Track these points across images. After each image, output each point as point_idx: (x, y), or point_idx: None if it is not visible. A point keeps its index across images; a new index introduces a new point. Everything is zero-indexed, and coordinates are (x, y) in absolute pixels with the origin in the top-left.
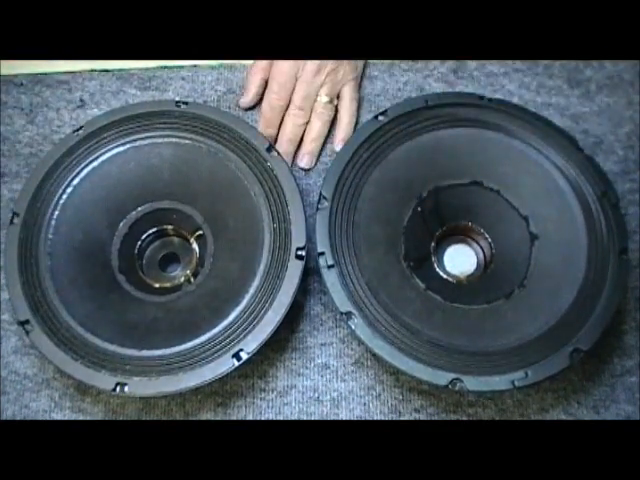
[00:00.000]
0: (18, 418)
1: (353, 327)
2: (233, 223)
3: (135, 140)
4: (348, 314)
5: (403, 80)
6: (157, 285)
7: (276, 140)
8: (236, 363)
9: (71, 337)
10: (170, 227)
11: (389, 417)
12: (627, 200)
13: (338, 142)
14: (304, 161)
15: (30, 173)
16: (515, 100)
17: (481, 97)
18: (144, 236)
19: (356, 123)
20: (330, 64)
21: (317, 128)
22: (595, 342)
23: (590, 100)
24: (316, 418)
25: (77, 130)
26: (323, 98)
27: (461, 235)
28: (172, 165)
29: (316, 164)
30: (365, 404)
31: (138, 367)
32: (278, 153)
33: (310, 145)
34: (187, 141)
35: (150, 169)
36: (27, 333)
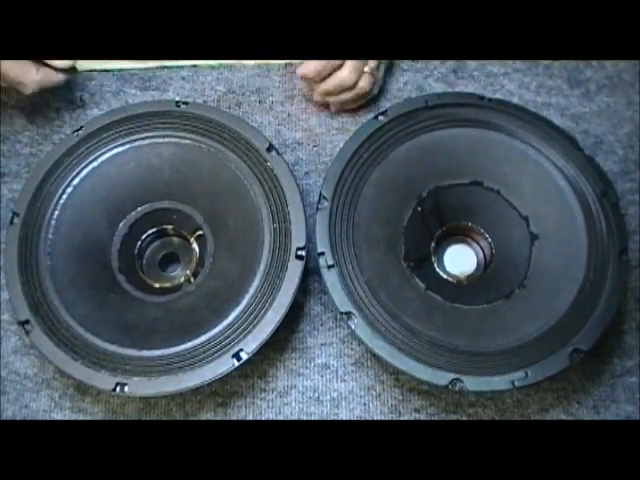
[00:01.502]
0: (18, 418)
1: (353, 327)
2: (233, 223)
3: (135, 140)
4: (348, 314)
5: (403, 80)
6: (157, 285)
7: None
8: (236, 363)
9: (71, 337)
10: (170, 227)
11: (389, 417)
12: (627, 200)
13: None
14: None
15: (30, 173)
16: (515, 100)
17: (481, 97)
18: (144, 236)
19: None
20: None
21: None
22: (595, 342)
23: (590, 100)
24: (316, 418)
25: (77, 130)
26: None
27: (461, 235)
28: (172, 165)
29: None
30: (365, 404)
31: (138, 367)
32: (278, 153)
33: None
34: (187, 141)
35: (150, 169)
36: (27, 333)
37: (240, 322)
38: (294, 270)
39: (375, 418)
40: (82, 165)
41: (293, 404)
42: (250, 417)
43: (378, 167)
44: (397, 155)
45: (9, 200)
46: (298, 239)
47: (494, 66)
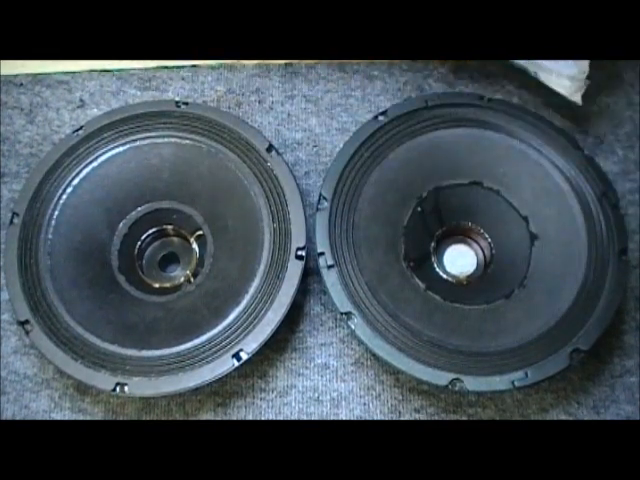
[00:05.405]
0: (18, 418)
1: (353, 327)
2: (233, 223)
3: (135, 140)
4: (348, 314)
5: (403, 80)
6: (157, 285)
7: None
8: (236, 363)
9: (71, 337)
10: (170, 227)
11: (389, 417)
12: (627, 200)
13: None
14: None
15: (30, 173)
16: (515, 100)
17: (481, 97)
18: (144, 236)
19: None
20: None
21: None
22: (595, 342)
23: (590, 100)
24: (316, 418)
25: (77, 130)
26: None
27: (461, 235)
28: (172, 165)
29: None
30: (365, 404)
31: (138, 367)
32: (278, 153)
33: None
34: (187, 141)
35: (150, 169)
36: (27, 333)
37: (240, 322)
38: (294, 270)
39: (375, 418)
40: (82, 165)
41: (293, 404)
42: (250, 417)
43: (378, 167)
44: (397, 155)
45: (9, 200)
46: (298, 239)
47: (494, 66)
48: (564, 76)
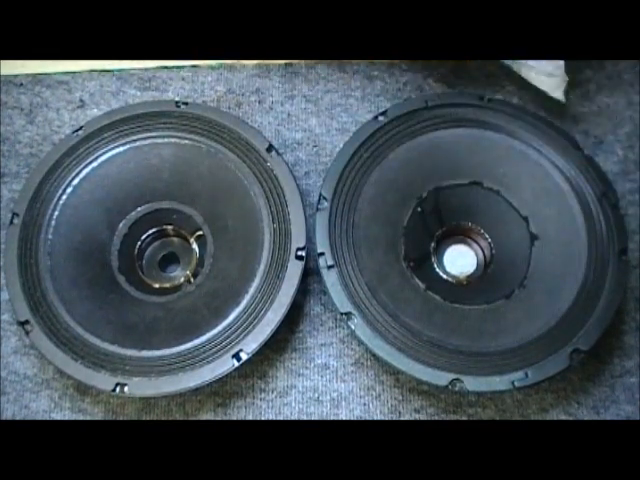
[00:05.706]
0: (18, 418)
1: (353, 327)
2: (233, 223)
3: (135, 140)
4: (348, 314)
5: (403, 80)
6: (157, 285)
7: None
8: (236, 363)
9: (71, 337)
10: (170, 227)
11: (389, 417)
12: (627, 200)
13: None
14: None
15: (30, 173)
16: (515, 100)
17: (481, 97)
18: (144, 236)
19: None
20: None
21: None
22: (595, 342)
23: (590, 100)
24: (316, 418)
25: (77, 130)
26: None
27: (461, 235)
28: (172, 165)
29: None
30: (365, 404)
31: (138, 367)
32: (278, 153)
33: None
34: (187, 141)
35: (150, 169)
36: (27, 333)
37: (240, 322)
38: (294, 270)
39: (375, 418)
40: (82, 165)
41: (293, 404)
42: (250, 417)
43: (378, 167)
44: (397, 155)
45: (9, 200)
46: (298, 239)
47: (494, 66)
48: (542, 72)
